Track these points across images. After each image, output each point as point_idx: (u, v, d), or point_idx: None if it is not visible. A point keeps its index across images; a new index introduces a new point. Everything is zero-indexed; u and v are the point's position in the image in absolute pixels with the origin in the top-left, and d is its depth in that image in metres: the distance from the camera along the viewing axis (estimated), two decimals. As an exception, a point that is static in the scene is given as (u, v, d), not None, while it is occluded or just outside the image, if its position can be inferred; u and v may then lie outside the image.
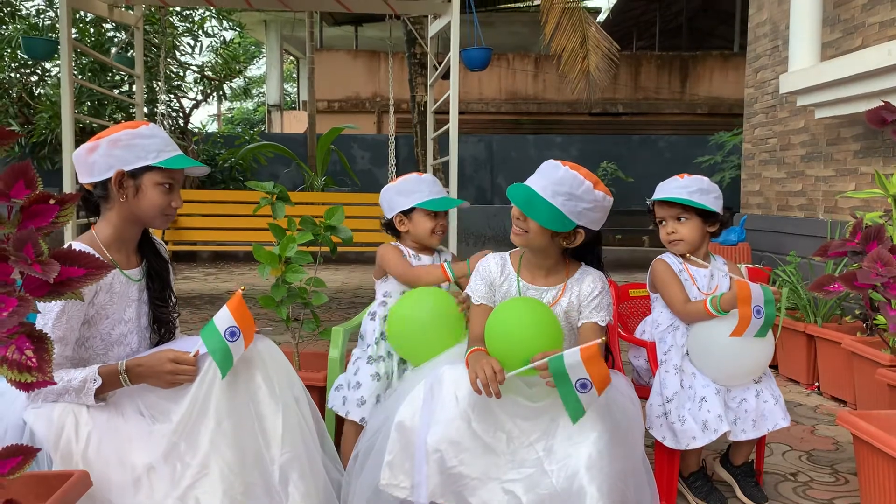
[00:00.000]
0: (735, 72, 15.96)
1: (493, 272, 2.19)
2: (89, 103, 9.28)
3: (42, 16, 9.43)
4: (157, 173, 1.97)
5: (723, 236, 4.45)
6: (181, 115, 10.76)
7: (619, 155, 13.21)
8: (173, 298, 2.18)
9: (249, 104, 28.53)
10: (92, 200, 2.01)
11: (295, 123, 20.86)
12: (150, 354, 1.90)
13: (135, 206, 1.98)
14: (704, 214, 2.48)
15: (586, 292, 2.12)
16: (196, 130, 12.13)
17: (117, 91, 9.40)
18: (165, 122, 8.50)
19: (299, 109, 21.88)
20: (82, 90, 8.88)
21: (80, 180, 2.00)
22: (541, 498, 1.83)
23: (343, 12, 6.82)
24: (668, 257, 2.58)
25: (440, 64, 6.04)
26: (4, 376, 1.23)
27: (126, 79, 9.47)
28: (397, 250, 2.59)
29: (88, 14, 8.85)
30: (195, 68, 11.04)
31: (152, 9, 8.20)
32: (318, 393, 2.61)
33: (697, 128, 15.48)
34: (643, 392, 2.51)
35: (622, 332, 2.72)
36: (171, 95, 10.34)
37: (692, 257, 2.51)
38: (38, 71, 9.81)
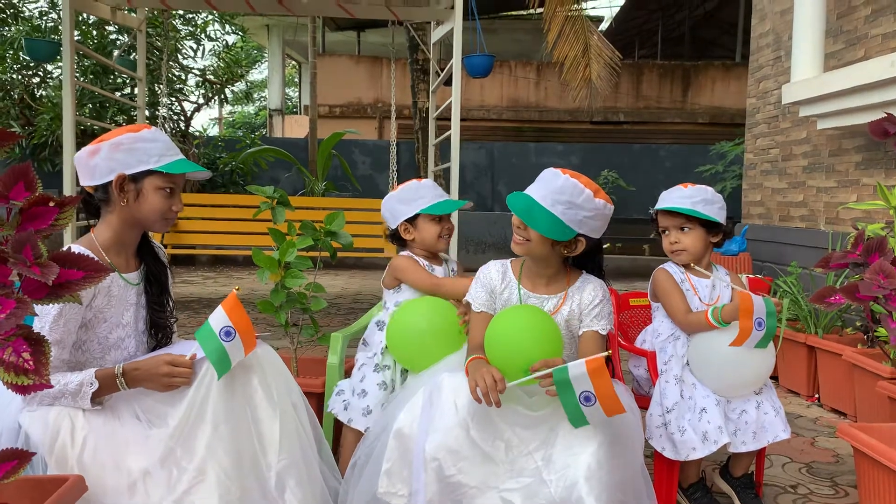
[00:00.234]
0: (737, 82, 15.99)
1: (493, 279, 2.18)
2: (90, 105, 9.28)
3: (45, 17, 9.44)
4: (158, 177, 1.96)
5: (724, 246, 4.43)
6: (182, 118, 10.77)
7: (619, 163, 13.23)
8: (171, 303, 2.17)
9: (251, 108, 28.54)
10: (93, 203, 2.00)
11: (296, 128, 20.89)
12: (147, 358, 1.89)
13: (135, 209, 1.97)
14: (708, 225, 2.47)
15: (587, 301, 2.11)
16: (197, 134, 12.13)
17: (119, 94, 9.41)
18: (166, 126, 8.50)
19: (300, 114, 21.90)
20: (84, 92, 8.89)
21: (81, 183, 1.99)
22: (539, 508, 1.81)
23: (346, 18, 6.83)
24: (669, 266, 2.56)
25: (442, 70, 6.04)
26: (1, 379, 1.22)
27: (128, 81, 9.47)
28: (413, 261, 2.54)
29: (91, 16, 8.86)
30: (197, 72, 11.07)
31: (155, 12, 8.21)
32: (316, 399, 2.60)
33: (698, 137, 15.49)
34: (643, 402, 2.50)
35: (622, 342, 2.71)
36: (173, 99, 10.36)
37: (696, 267, 2.50)
38: (40, 73, 9.81)
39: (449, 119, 5.07)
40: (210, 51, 11.00)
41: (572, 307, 2.12)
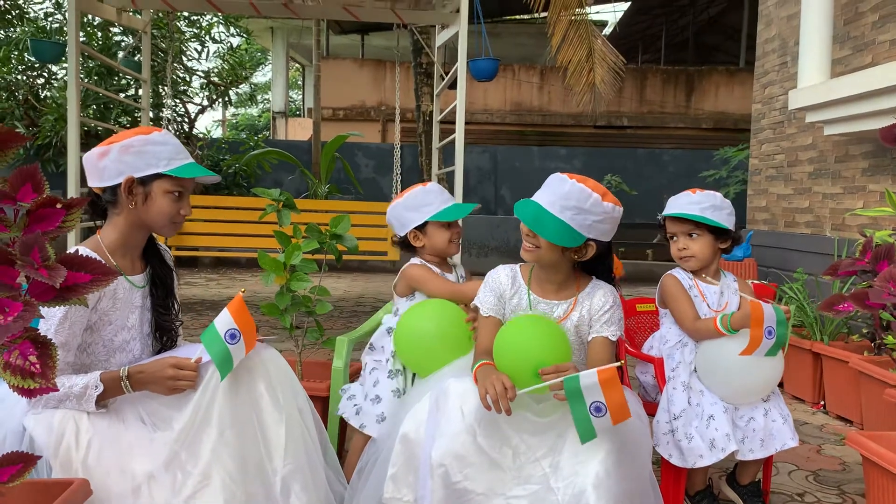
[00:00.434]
0: (741, 87, 15.98)
1: (503, 284, 2.16)
2: (95, 106, 9.30)
3: (50, 19, 9.46)
4: (167, 181, 1.96)
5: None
6: (186, 120, 10.77)
7: (623, 168, 13.22)
8: (176, 306, 2.15)
9: (254, 110, 28.56)
10: (100, 204, 1.99)
11: (299, 130, 20.87)
12: (152, 361, 1.88)
13: (143, 212, 1.96)
14: (716, 231, 2.45)
15: (597, 306, 2.10)
16: (201, 136, 12.14)
17: (123, 95, 9.42)
18: (170, 127, 8.52)
19: (304, 116, 21.90)
20: (88, 93, 8.89)
21: (90, 184, 1.98)
22: (546, 515, 1.80)
23: (350, 21, 6.82)
24: (678, 273, 2.54)
25: (446, 74, 6.03)
26: (7, 382, 1.20)
27: (132, 83, 9.48)
28: (428, 270, 2.51)
29: (96, 18, 8.87)
30: (201, 74, 11.08)
31: (160, 13, 8.21)
32: (321, 403, 2.58)
33: (702, 142, 15.49)
34: (650, 408, 2.48)
35: (629, 348, 2.69)
36: (177, 100, 10.37)
37: (704, 275, 2.48)
38: (45, 73, 9.82)
39: (452, 122, 5.06)
40: (214, 53, 11.03)
41: (582, 313, 2.10)
